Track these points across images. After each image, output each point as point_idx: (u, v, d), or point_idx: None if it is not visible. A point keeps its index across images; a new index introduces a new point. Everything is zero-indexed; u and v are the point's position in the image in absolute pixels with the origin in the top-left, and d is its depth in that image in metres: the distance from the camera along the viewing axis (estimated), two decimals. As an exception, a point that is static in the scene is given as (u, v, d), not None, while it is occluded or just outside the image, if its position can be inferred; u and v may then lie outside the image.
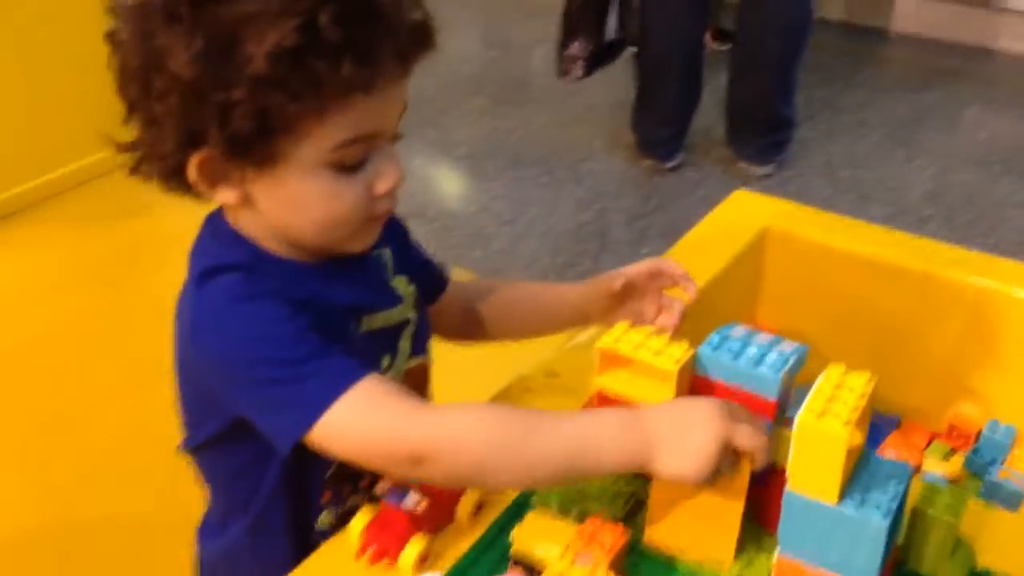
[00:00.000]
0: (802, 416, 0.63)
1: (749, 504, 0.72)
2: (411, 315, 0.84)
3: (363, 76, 0.68)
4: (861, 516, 0.63)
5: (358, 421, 0.69)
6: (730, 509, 0.72)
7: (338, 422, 0.69)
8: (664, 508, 0.75)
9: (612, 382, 0.75)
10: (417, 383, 0.86)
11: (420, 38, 0.72)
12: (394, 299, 0.83)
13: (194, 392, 0.78)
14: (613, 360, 0.75)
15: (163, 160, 0.71)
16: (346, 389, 0.69)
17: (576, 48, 2.53)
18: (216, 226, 0.77)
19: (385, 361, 0.82)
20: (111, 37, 0.71)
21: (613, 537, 0.73)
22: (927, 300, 1.07)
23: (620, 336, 0.75)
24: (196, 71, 0.66)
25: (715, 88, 2.81)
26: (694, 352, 0.73)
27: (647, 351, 0.73)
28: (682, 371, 0.72)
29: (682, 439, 0.67)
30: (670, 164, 2.74)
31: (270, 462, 0.77)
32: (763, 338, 0.74)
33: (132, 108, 0.71)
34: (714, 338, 0.73)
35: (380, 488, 0.80)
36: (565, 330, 0.97)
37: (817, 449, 0.63)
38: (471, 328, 0.95)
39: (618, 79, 2.93)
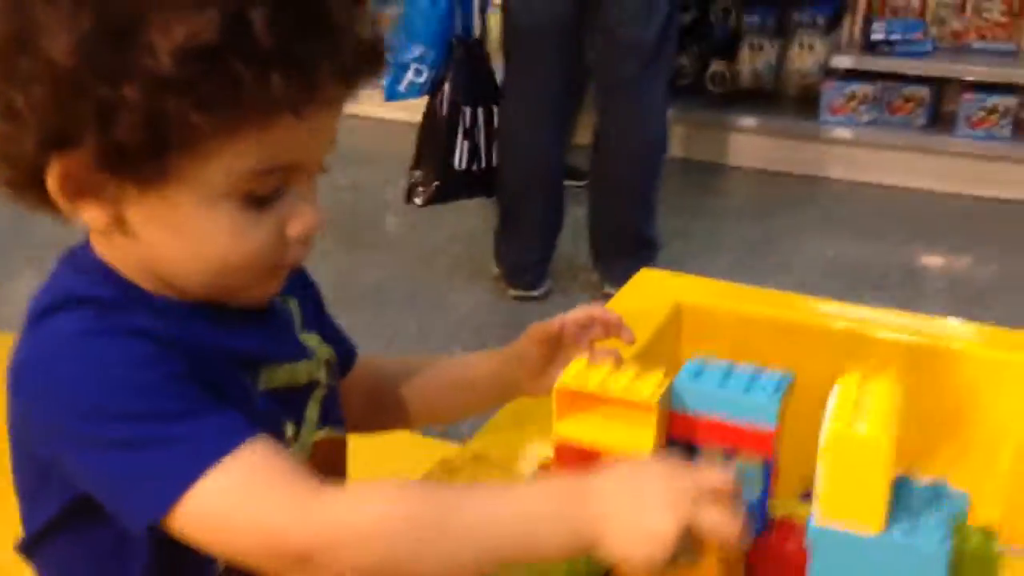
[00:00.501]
0: (832, 428, 0.52)
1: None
2: (321, 376, 0.69)
3: (296, 94, 0.55)
4: (915, 544, 0.51)
5: (230, 501, 0.54)
6: None
7: (205, 502, 0.53)
8: None
9: (575, 429, 0.62)
10: (328, 460, 0.70)
11: (370, 59, 0.60)
12: (300, 351, 0.68)
13: (26, 462, 0.61)
14: (575, 402, 0.62)
15: (16, 163, 0.56)
16: (219, 458, 0.54)
17: (419, 176, 2.48)
18: (77, 262, 0.61)
19: (288, 429, 0.66)
20: None
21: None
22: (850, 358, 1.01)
23: (579, 372, 0.62)
24: (78, 58, 0.52)
25: (574, 217, 2.80)
26: (670, 383, 0.61)
27: (615, 385, 0.61)
28: (662, 405, 0.60)
29: (634, 516, 0.54)
30: (537, 292, 2.69)
31: (131, 556, 0.59)
32: (744, 367, 0.63)
33: None
34: (689, 368, 0.62)
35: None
36: (490, 406, 0.84)
37: (854, 466, 0.51)
38: (383, 410, 0.81)
39: (478, 212, 2.89)
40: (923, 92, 3.22)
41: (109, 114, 0.52)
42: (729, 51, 3.39)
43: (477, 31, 2.47)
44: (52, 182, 0.56)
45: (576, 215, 2.78)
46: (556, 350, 0.78)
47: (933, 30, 3.25)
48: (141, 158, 0.54)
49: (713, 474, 0.54)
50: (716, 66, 3.42)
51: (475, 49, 2.43)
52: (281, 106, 0.55)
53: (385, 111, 2.90)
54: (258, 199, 0.58)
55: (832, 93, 3.28)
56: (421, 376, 0.81)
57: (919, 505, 0.54)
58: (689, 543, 0.53)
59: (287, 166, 0.58)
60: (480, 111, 2.41)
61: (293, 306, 0.70)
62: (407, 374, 0.81)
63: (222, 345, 0.61)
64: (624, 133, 2.43)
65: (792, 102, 3.45)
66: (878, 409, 0.53)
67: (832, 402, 0.54)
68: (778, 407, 0.59)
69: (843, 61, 3.24)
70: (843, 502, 0.52)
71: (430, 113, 2.44)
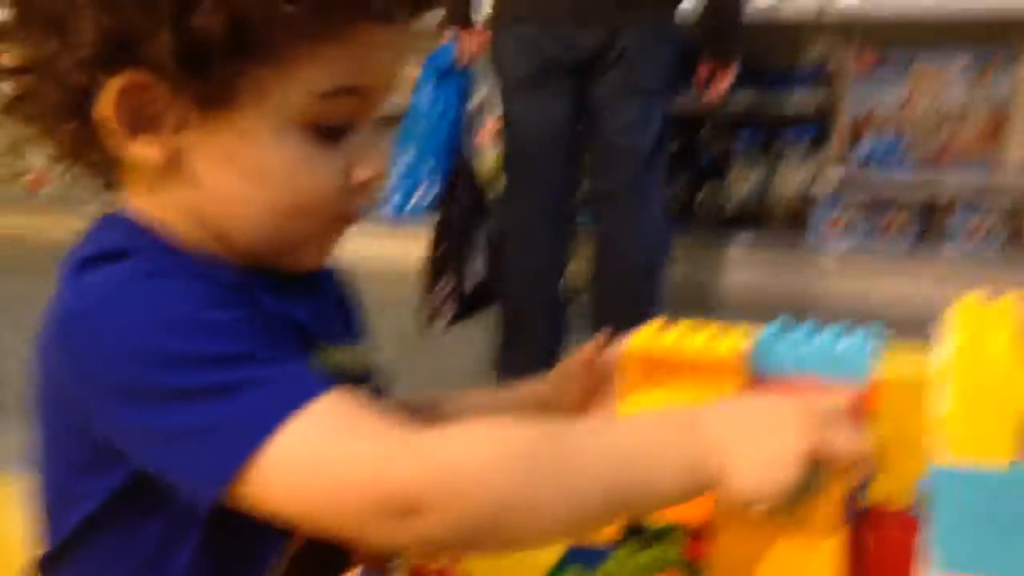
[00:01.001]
0: (957, 347, 0.46)
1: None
2: (373, 370, 0.64)
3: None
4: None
5: (319, 449, 0.47)
6: (823, 554, 0.52)
7: (289, 453, 0.46)
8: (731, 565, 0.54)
9: (646, 403, 0.57)
10: None
11: None
12: (357, 333, 0.63)
13: (62, 447, 0.53)
14: (645, 369, 0.57)
15: (63, 81, 0.50)
16: (302, 404, 0.47)
17: (439, 295, 2.45)
18: (115, 221, 0.56)
19: None
20: None
21: None
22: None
23: (649, 335, 0.57)
24: None
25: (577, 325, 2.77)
26: (753, 341, 0.56)
27: (692, 345, 0.56)
28: (746, 363, 0.55)
29: (756, 445, 0.49)
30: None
31: (177, 547, 0.52)
32: (826, 328, 0.58)
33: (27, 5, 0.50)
34: (771, 329, 0.58)
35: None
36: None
37: (981, 387, 0.46)
38: None
39: (475, 338, 2.85)
40: (911, 208, 3.26)
41: (187, 9, 0.48)
42: (717, 175, 3.45)
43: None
44: (106, 106, 0.51)
45: (579, 325, 2.75)
46: (597, 377, 0.70)
47: (915, 147, 3.33)
48: (215, 63, 0.49)
49: (837, 394, 0.49)
50: (705, 192, 3.47)
51: (470, 163, 2.47)
52: (371, 9, 0.51)
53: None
54: (328, 131, 0.54)
55: (820, 212, 3.32)
56: (458, 410, 0.75)
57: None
58: (816, 470, 0.48)
59: (362, 89, 0.54)
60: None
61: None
62: (442, 409, 0.75)
63: (279, 309, 0.55)
64: (624, 238, 2.43)
65: (781, 223, 3.49)
66: (1008, 322, 0.48)
67: (949, 324, 0.49)
68: (870, 358, 0.54)
69: (829, 181, 3.30)
70: (966, 434, 0.47)
71: (444, 227, 2.43)
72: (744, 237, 3.43)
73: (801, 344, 0.56)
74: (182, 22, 0.48)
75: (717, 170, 3.45)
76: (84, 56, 0.50)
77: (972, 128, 3.37)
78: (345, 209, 0.57)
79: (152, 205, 0.55)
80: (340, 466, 0.47)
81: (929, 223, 3.33)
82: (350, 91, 0.53)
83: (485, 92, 2.64)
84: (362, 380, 0.62)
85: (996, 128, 3.35)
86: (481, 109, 2.66)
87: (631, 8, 2.23)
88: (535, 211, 2.39)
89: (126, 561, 0.54)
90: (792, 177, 3.39)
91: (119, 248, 0.52)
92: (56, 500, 0.55)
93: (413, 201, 2.36)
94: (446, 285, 2.43)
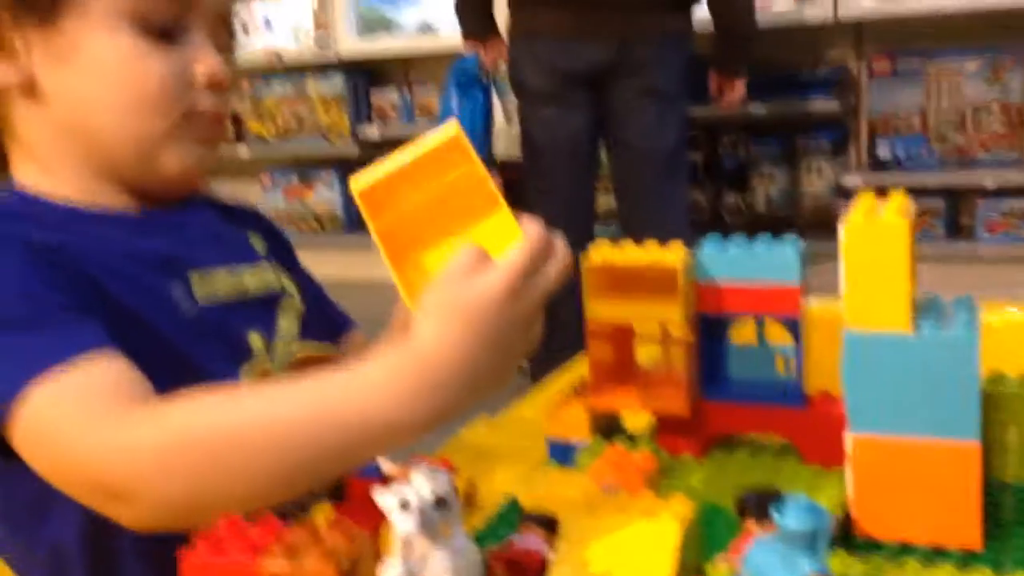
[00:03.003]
0: (850, 220, 0.53)
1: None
2: (286, 288, 0.69)
3: None
4: (946, 337, 0.51)
5: (53, 415, 0.52)
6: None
7: (33, 414, 0.52)
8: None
9: (605, 308, 0.64)
10: None
11: None
12: (242, 255, 0.68)
13: None
14: (603, 280, 0.64)
15: None
16: (49, 367, 0.52)
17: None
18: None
19: (255, 340, 0.65)
20: None
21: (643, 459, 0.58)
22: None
23: (605, 250, 0.65)
24: None
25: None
26: (692, 254, 0.63)
27: (640, 258, 0.63)
28: (685, 270, 0.62)
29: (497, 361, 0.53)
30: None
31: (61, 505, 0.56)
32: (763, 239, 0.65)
33: None
34: (709, 242, 0.64)
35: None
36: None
37: (876, 259, 0.52)
38: None
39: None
40: (937, 204, 3.28)
41: None
42: (741, 182, 3.50)
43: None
44: None
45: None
46: None
47: (937, 146, 3.36)
48: None
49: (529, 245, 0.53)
50: (730, 197, 3.52)
51: (497, 175, 2.54)
52: None
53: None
54: (158, 30, 0.61)
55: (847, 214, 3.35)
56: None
57: (945, 311, 0.55)
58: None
59: None
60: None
61: (255, 239, 0.71)
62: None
63: (131, 247, 0.62)
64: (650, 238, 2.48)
65: (808, 225, 3.52)
66: (894, 205, 0.55)
67: (850, 207, 0.56)
68: (799, 261, 0.61)
69: (853, 180, 3.32)
70: (867, 302, 0.53)
71: None
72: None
73: (737, 252, 0.62)
74: None
75: (741, 177, 3.50)
76: None
77: (994, 124, 3.39)
78: (192, 105, 0.63)
79: (29, 132, 0.63)
80: (60, 446, 0.52)
81: (957, 220, 3.35)
82: None
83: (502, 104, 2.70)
84: (272, 300, 0.68)
85: (1018, 123, 3.36)
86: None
87: (642, 20, 2.29)
88: (556, 221, 2.44)
89: (17, 502, 0.60)
90: (816, 180, 3.43)
91: None
92: None
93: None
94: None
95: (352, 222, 3.92)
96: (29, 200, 0.63)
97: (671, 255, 0.62)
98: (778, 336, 0.64)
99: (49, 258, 0.57)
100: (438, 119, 2.46)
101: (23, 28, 0.60)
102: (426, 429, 0.53)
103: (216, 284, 0.65)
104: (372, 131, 3.79)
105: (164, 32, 0.62)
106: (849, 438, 0.54)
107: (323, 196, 3.95)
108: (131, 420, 0.52)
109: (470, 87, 2.41)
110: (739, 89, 2.58)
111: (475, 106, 2.41)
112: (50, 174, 0.64)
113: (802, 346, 0.62)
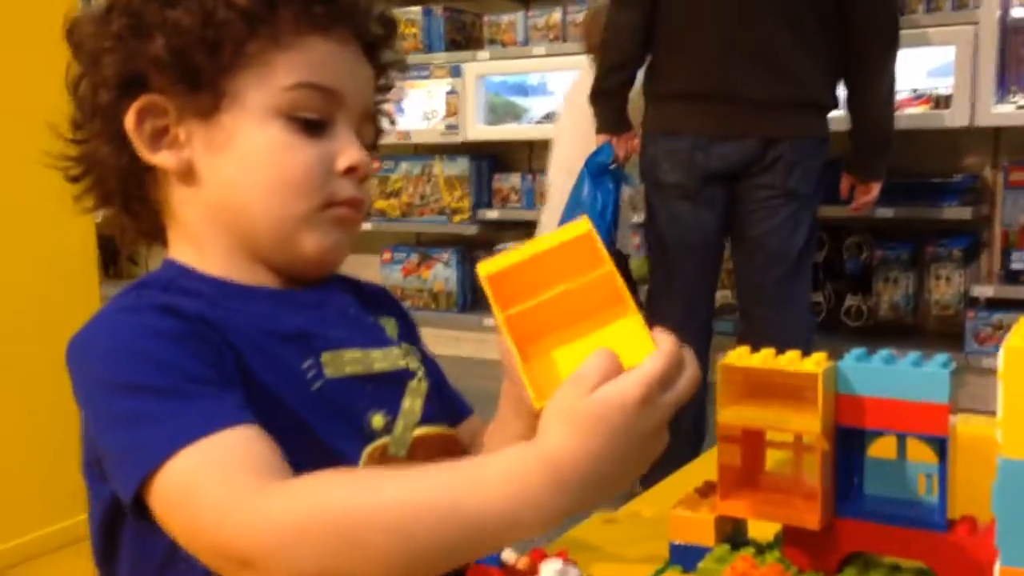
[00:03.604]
0: (1010, 343, 0.51)
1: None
2: (415, 367, 0.70)
3: (322, 9, 0.66)
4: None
5: (185, 490, 0.54)
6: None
7: (171, 482, 0.54)
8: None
9: (737, 414, 0.62)
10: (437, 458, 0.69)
11: (382, 24, 0.72)
12: (375, 338, 0.70)
13: (86, 450, 0.64)
14: (737, 383, 0.63)
15: (99, 111, 0.66)
16: (193, 439, 0.54)
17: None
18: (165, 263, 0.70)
19: (375, 420, 0.66)
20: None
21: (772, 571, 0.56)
22: None
23: (741, 353, 0.64)
24: None
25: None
26: (834, 364, 0.62)
27: (779, 363, 0.62)
28: (826, 378, 0.60)
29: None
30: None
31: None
32: (908, 355, 0.63)
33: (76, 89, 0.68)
34: (853, 354, 0.63)
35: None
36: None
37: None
38: None
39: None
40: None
41: (173, 36, 0.63)
42: (863, 285, 3.42)
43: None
44: (130, 122, 0.65)
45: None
46: None
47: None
48: (200, 76, 0.63)
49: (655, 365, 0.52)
50: (851, 300, 3.43)
51: (627, 261, 2.56)
52: (310, 20, 0.65)
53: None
54: (305, 123, 0.66)
55: (976, 323, 3.22)
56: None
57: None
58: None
59: (327, 90, 0.66)
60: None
61: (388, 323, 0.73)
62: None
63: (267, 322, 0.65)
64: (771, 338, 2.42)
65: (934, 333, 3.40)
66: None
67: (1014, 329, 0.53)
68: (949, 380, 0.59)
69: (985, 291, 3.21)
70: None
71: None
72: (894, 347, 3.34)
73: (882, 365, 0.60)
74: (168, 53, 0.63)
75: (863, 279, 3.42)
76: (110, 86, 0.65)
77: None
78: (333, 193, 0.67)
79: (184, 213, 0.68)
80: (195, 510, 0.54)
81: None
82: (312, 87, 0.66)
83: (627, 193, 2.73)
84: (399, 380, 0.69)
85: None
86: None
87: (783, 120, 2.28)
88: (677, 315, 2.43)
89: (148, 559, 0.62)
90: (944, 288, 3.32)
91: (135, 283, 0.66)
92: (89, 497, 0.65)
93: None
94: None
95: (467, 302, 3.99)
96: (183, 273, 0.68)
97: (811, 362, 0.61)
98: (921, 454, 0.61)
99: (197, 329, 0.60)
100: (569, 205, 2.48)
101: (187, 122, 0.66)
102: (546, 529, 0.53)
103: (345, 363, 0.67)
104: (492, 213, 3.86)
105: (312, 125, 0.67)
106: (999, 571, 0.51)
107: (440, 274, 4.02)
108: (268, 494, 0.53)
109: (602, 177, 2.43)
110: (874, 192, 2.52)
111: (607, 196, 2.44)
112: (202, 252, 0.68)
113: (947, 467, 0.59)
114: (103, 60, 0.65)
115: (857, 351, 0.62)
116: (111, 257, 4.55)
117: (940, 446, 0.59)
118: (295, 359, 0.65)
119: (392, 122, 0.77)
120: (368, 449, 0.66)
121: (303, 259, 0.68)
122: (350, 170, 0.67)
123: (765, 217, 2.33)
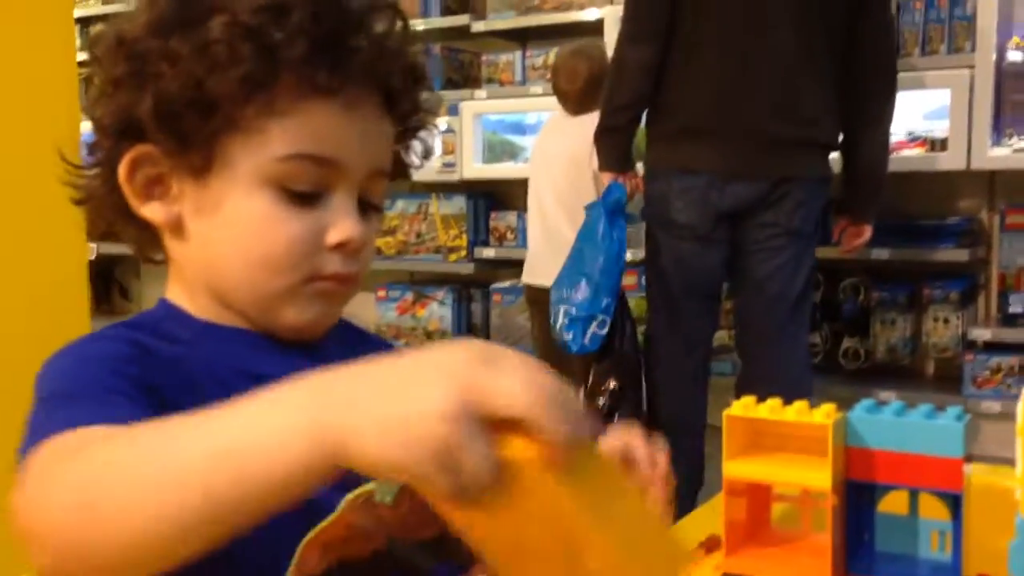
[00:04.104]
0: (1025, 401, 0.49)
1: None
2: None
3: (327, 75, 0.61)
4: None
5: (23, 476, 0.50)
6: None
7: (25, 472, 0.51)
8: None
9: (744, 466, 0.60)
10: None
11: (405, 71, 0.66)
12: None
13: None
14: (744, 434, 0.61)
15: (103, 159, 0.65)
16: (59, 431, 0.51)
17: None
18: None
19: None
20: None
21: None
22: None
23: (748, 404, 0.62)
24: (148, 33, 0.63)
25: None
26: (844, 415, 0.60)
27: (786, 414, 0.60)
28: (836, 430, 0.58)
29: (388, 402, 0.40)
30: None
31: None
32: (919, 407, 0.61)
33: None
34: (863, 405, 0.61)
35: None
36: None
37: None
38: None
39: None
40: (1070, 365, 3.12)
41: (162, 101, 0.61)
42: (861, 327, 3.40)
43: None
44: (123, 171, 0.64)
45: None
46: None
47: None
48: (191, 137, 0.61)
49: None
50: (848, 342, 3.41)
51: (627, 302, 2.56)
52: (313, 85, 0.61)
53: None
54: (296, 195, 0.62)
55: (974, 366, 3.20)
56: None
57: None
58: (480, 437, 0.36)
59: (323, 160, 0.62)
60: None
61: None
62: None
63: (244, 363, 0.63)
64: (771, 379, 2.41)
65: (931, 376, 3.38)
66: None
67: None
68: (963, 434, 0.57)
69: (983, 334, 3.19)
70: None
71: (619, 361, 2.49)
72: (891, 390, 3.33)
73: (894, 418, 0.59)
74: (161, 105, 0.61)
75: (860, 321, 3.40)
76: (108, 133, 0.65)
77: None
78: (318, 268, 0.64)
79: (178, 282, 0.68)
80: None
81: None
82: (307, 158, 0.62)
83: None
84: None
85: None
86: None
87: (795, 160, 2.27)
88: (676, 354, 2.41)
89: None
90: (942, 331, 3.30)
91: (134, 319, 0.67)
92: None
93: (586, 339, 2.41)
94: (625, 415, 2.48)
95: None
96: (170, 315, 0.67)
97: (820, 414, 0.59)
98: (933, 510, 0.59)
99: (152, 362, 0.60)
100: (593, 240, 2.43)
101: (180, 176, 0.64)
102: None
103: None
104: (489, 252, 3.85)
105: (304, 196, 0.63)
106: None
107: (435, 312, 4.00)
108: (34, 475, 0.50)
109: (617, 217, 2.40)
110: (866, 234, 2.52)
111: (621, 236, 2.41)
112: (192, 296, 0.68)
113: (961, 524, 0.57)
114: (102, 103, 0.65)
115: (867, 402, 0.61)
116: (104, 292, 4.52)
117: (954, 502, 0.57)
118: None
119: (406, 176, 0.73)
120: (349, 497, 0.63)
121: (283, 328, 0.67)
122: (340, 245, 0.64)
123: (767, 258, 2.32)
